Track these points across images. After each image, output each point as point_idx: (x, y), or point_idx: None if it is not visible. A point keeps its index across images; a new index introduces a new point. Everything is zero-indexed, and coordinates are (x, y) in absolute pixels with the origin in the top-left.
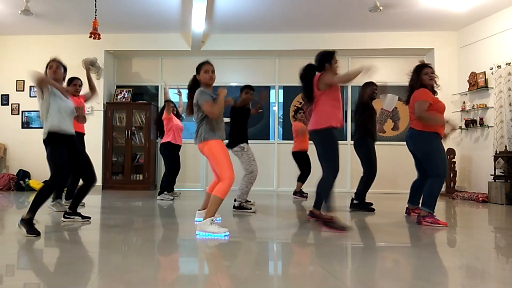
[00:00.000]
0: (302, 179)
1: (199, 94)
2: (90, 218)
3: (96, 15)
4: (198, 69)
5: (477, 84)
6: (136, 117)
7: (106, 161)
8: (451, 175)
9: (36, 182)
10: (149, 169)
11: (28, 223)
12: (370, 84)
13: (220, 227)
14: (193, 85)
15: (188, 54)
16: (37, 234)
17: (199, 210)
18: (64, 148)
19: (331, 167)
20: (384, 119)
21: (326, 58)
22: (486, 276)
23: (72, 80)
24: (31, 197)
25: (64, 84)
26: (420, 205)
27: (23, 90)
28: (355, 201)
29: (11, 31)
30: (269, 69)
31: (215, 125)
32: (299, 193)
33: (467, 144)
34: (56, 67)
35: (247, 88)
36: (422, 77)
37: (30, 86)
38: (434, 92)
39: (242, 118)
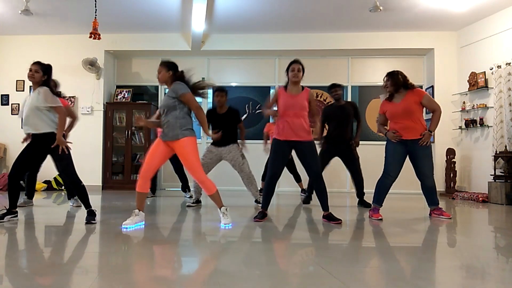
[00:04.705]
0: (297, 179)
1: None
2: (95, 223)
3: (96, 15)
4: None
5: (477, 84)
6: (136, 117)
7: (106, 161)
8: (451, 175)
9: (36, 182)
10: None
11: (6, 214)
12: (331, 87)
13: (134, 220)
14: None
15: (188, 54)
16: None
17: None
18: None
19: (268, 170)
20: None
21: (286, 70)
22: (486, 276)
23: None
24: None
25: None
26: (433, 205)
27: (23, 90)
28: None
29: (11, 31)
30: (269, 69)
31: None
32: (303, 190)
33: (467, 144)
34: (34, 71)
35: (218, 90)
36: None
37: (30, 86)
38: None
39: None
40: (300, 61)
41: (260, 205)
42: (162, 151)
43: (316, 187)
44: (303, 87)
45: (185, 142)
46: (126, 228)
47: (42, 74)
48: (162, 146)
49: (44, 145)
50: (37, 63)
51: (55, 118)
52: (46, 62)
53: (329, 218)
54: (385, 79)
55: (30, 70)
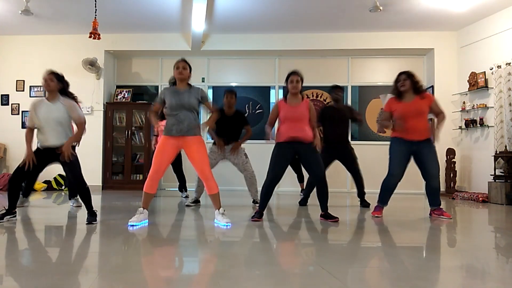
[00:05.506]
0: (300, 179)
1: None
2: (96, 223)
3: (96, 15)
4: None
5: (477, 84)
6: (136, 117)
7: (106, 161)
8: (451, 175)
9: (36, 182)
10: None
11: (5, 214)
12: (333, 88)
13: (139, 218)
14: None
15: (188, 54)
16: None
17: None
18: None
19: (268, 172)
20: None
21: (285, 80)
22: (486, 276)
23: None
24: (31, 197)
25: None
26: (435, 206)
27: (23, 90)
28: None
29: (11, 31)
30: (269, 69)
31: (168, 121)
32: (303, 190)
33: (467, 144)
34: (49, 79)
35: (228, 92)
36: (396, 85)
37: (30, 86)
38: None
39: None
40: (298, 72)
41: (258, 205)
42: (170, 149)
43: (319, 190)
44: (302, 97)
45: (201, 139)
46: (133, 225)
47: (57, 83)
48: (170, 144)
49: (54, 155)
50: (51, 72)
51: (70, 132)
52: (47, 63)
53: (326, 216)
54: (402, 77)
55: (45, 80)
